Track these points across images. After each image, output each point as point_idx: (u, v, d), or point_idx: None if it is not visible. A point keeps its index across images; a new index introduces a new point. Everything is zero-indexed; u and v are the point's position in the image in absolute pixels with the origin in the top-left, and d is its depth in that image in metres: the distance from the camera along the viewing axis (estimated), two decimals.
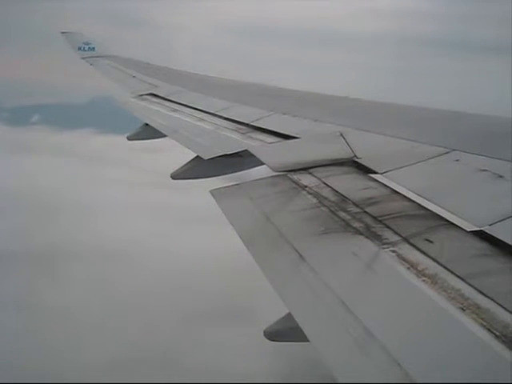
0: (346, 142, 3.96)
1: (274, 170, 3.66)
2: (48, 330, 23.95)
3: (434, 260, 2.16)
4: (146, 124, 6.83)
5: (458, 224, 2.48)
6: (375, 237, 2.46)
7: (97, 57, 12.27)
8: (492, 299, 1.85)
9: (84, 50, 12.64)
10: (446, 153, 3.35)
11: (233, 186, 3.63)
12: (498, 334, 1.68)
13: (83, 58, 12.32)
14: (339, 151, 3.80)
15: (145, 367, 22.02)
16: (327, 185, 3.24)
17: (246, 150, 4.33)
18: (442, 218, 2.57)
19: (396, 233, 2.46)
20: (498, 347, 1.63)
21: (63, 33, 13.39)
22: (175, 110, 6.87)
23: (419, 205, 2.77)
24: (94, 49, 12.67)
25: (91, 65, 11.77)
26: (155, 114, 7.01)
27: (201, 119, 6.04)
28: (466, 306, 1.85)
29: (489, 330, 1.71)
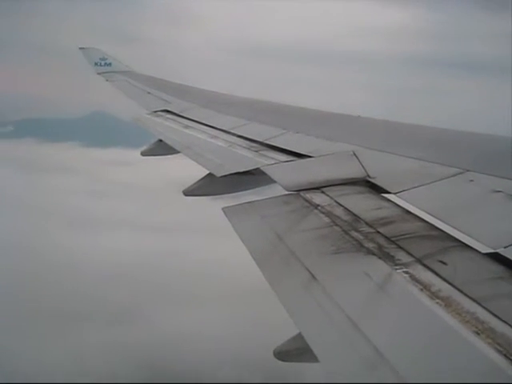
0: (359, 161, 3.96)
1: (286, 189, 3.65)
2: None
3: (448, 282, 2.14)
4: (160, 140, 6.88)
5: (472, 245, 2.45)
6: (388, 257, 2.44)
7: (113, 72, 12.43)
8: (508, 323, 1.81)
9: (100, 65, 12.83)
10: (460, 173, 3.33)
11: (245, 203, 3.63)
12: None
13: (99, 74, 12.49)
14: (352, 170, 3.79)
15: None
16: (340, 204, 3.23)
17: (258, 168, 4.34)
18: (455, 240, 2.54)
19: (409, 253, 2.44)
20: None
21: (81, 48, 13.62)
22: (188, 127, 6.92)
23: (433, 225, 2.75)
24: (110, 64, 12.85)
25: (107, 80, 11.92)
26: (169, 130, 7.06)
27: (214, 136, 6.07)
28: (481, 330, 1.81)
29: (505, 355, 1.67)
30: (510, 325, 1.81)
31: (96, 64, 12.87)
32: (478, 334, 1.80)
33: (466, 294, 2.03)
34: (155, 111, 8.33)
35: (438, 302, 2.02)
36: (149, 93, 10.03)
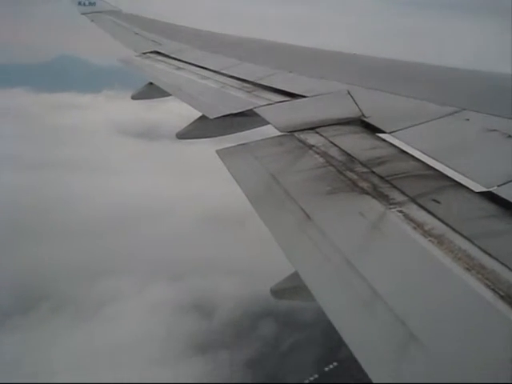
0: (354, 100, 3.90)
1: (280, 130, 3.61)
2: None
3: (441, 220, 2.16)
4: (150, 83, 6.72)
5: (466, 185, 2.47)
6: (382, 197, 2.46)
7: (98, 12, 11.95)
8: (498, 260, 1.85)
9: (84, 4, 12.29)
10: (456, 112, 3.30)
11: (239, 145, 3.60)
12: (502, 294, 1.70)
13: (83, 14, 12.00)
14: (347, 110, 3.74)
15: None
16: (334, 144, 3.22)
17: (251, 109, 4.27)
18: (449, 179, 2.55)
19: (403, 193, 2.46)
20: (503, 307, 1.65)
21: None
22: (180, 68, 6.75)
23: (427, 165, 2.75)
24: (94, 3, 12.31)
25: (92, 21, 11.46)
26: (159, 72, 6.89)
27: (206, 77, 5.94)
28: (472, 267, 1.86)
29: (493, 290, 1.72)
30: (499, 261, 1.85)
31: (80, 3, 12.33)
32: (469, 270, 1.84)
33: (458, 232, 2.06)
34: (144, 53, 8.09)
35: (431, 240, 2.05)
36: (137, 33, 9.70)
